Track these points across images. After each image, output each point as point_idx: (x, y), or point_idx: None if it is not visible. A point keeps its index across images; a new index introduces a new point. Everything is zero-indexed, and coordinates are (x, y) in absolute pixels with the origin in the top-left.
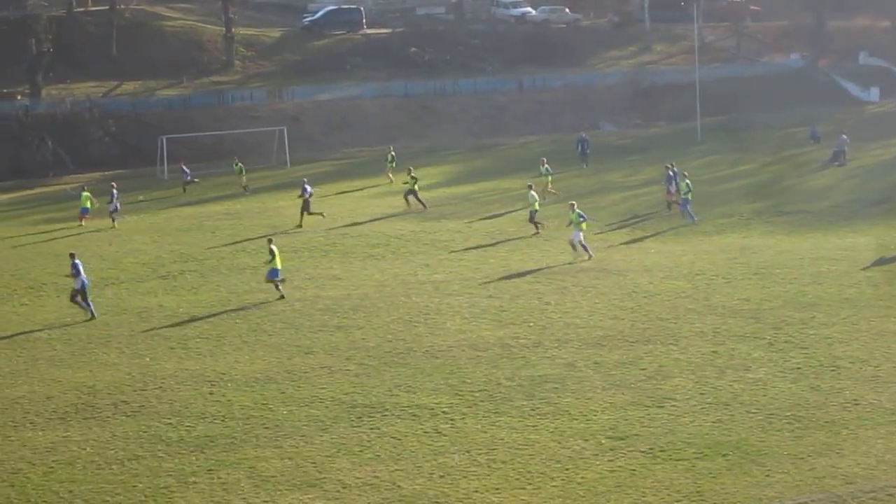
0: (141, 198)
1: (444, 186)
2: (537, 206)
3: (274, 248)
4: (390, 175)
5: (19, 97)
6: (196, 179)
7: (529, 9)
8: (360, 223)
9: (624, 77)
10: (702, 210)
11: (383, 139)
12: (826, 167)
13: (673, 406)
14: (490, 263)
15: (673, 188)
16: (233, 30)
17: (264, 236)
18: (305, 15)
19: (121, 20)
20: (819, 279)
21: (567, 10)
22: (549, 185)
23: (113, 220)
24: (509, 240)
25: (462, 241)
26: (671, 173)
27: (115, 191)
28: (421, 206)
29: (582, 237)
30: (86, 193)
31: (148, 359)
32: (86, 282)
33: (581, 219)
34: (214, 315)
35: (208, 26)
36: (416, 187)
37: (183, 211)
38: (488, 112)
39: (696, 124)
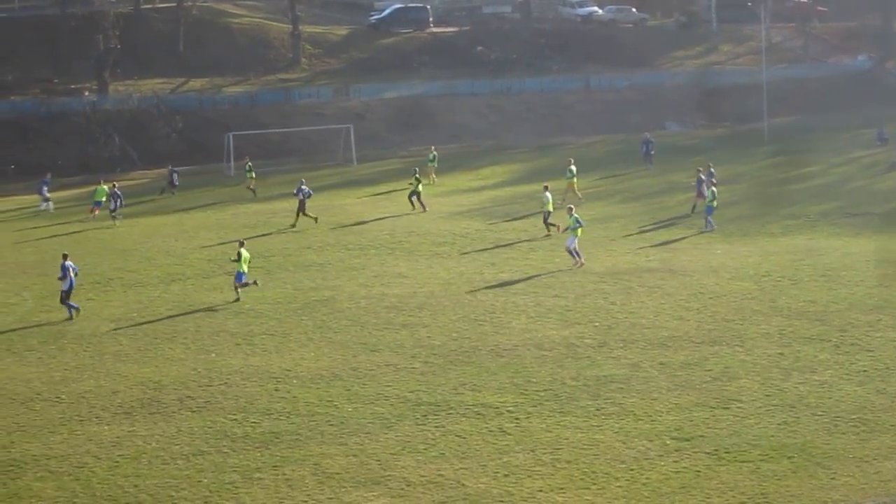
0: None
1: (509, 185)
2: (551, 208)
3: (243, 251)
4: (433, 175)
5: (87, 93)
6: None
7: (596, 8)
8: (426, 221)
9: (690, 77)
10: (768, 211)
11: (449, 137)
12: (893, 169)
13: (738, 408)
14: (556, 262)
15: (703, 192)
16: (300, 27)
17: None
18: (372, 13)
19: (188, 17)
20: (886, 282)
21: (634, 9)
22: (575, 187)
23: (114, 220)
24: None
25: (527, 240)
26: (702, 177)
27: (117, 190)
28: (421, 209)
29: (576, 243)
30: (101, 187)
31: (214, 354)
32: (73, 283)
33: (578, 224)
34: (280, 311)
35: (275, 24)
36: (418, 189)
37: (249, 207)
38: (554, 111)
39: (762, 125)
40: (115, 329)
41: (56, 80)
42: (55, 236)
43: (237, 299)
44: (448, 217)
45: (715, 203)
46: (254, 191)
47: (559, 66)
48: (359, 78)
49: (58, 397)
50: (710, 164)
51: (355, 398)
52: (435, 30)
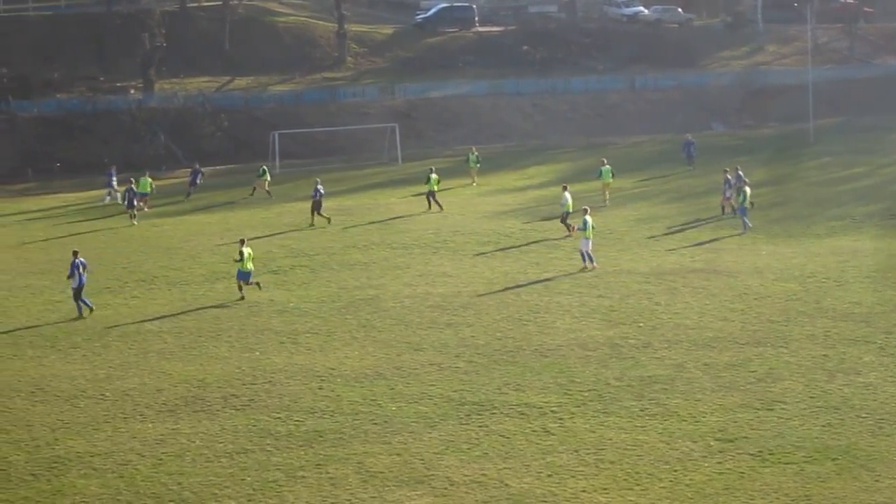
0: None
1: (554, 185)
2: (570, 209)
3: (244, 249)
4: (475, 176)
5: (132, 91)
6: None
7: (642, 8)
8: (470, 221)
9: (736, 78)
10: (814, 212)
11: (494, 137)
12: None
13: (782, 409)
14: (600, 262)
15: (728, 193)
16: (345, 26)
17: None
18: (418, 12)
19: (233, 15)
20: None
21: (680, 9)
22: (608, 190)
23: (131, 217)
24: (620, 239)
25: (572, 240)
26: (729, 178)
27: (133, 186)
28: (438, 208)
29: (590, 246)
30: (146, 178)
31: (258, 353)
32: (83, 280)
33: (584, 226)
34: (324, 310)
35: (320, 22)
36: (435, 187)
37: (294, 206)
38: (600, 111)
39: (808, 126)
40: (159, 327)
41: (102, 78)
42: (100, 233)
43: (242, 297)
44: (493, 216)
45: (747, 204)
46: (269, 192)
47: (604, 66)
48: (404, 77)
49: (102, 395)
50: (738, 167)
51: (399, 397)
52: (480, 29)
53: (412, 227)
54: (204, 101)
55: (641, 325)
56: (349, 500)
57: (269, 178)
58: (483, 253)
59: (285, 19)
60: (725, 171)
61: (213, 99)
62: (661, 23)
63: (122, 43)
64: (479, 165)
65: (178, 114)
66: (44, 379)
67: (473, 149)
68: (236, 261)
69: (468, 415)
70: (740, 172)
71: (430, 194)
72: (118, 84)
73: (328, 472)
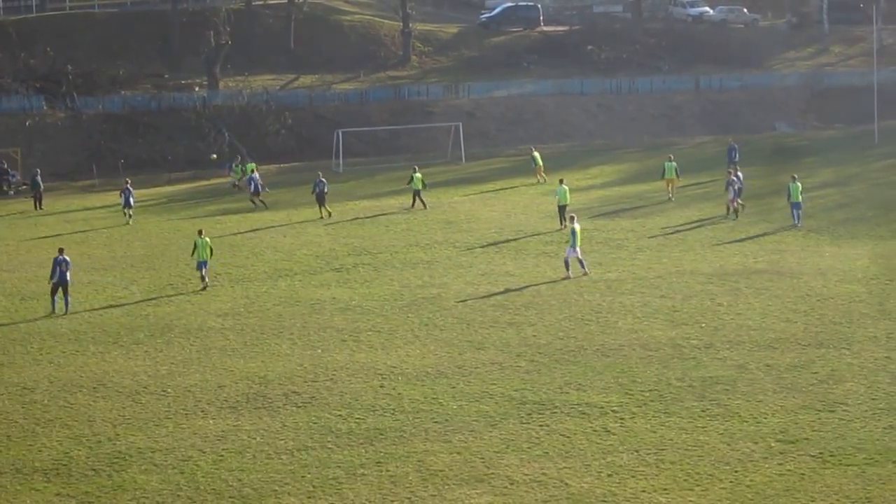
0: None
1: (618, 185)
2: (566, 201)
3: (198, 240)
4: (543, 175)
5: (197, 89)
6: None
7: (707, 8)
8: (533, 220)
9: (801, 78)
10: (878, 214)
11: (558, 136)
12: None
13: (844, 411)
14: (663, 263)
15: (731, 195)
16: (410, 25)
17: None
18: (483, 11)
19: (299, 14)
20: None
21: (745, 10)
22: (674, 186)
23: (127, 217)
24: (683, 240)
25: (635, 240)
26: (733, 178)
27: (129, 187)
28: (422, 206)
29: (577, 253)
30: (247, 165)
31: (320, 350)
32: (64, 278)
33: (572, 235)
34: (387, 308)
35: (386, 21)
36: (419, 186)
37: (357, 204)
38: (664, 111)
39: (873, 127)
40: (221, 323)
41: (167, 76)
42: (163, 230)
43: (204, 287)
44: (556, 216)
45: (800, 198)
46: (239, 187)
47: (669, 67)
48: (468, 76)
49: (164, 391)
50: (737, 168)
51: (460, 396)
52: (545, 28)
53: (475, 226)
54: (268, 98)
55: (704, 325)
56: (409, 498)
57: (240, 175)
58: (546, 252)
59: (351, 18)
60: (730, 173)
61: (278, 97)
62: (726, 23)
63: (187, 40)
64: (541, 165)
65: (243, 111)
66: (106, 375)
67: (533, 148)
68: (191, 254)
69: (529, 414)
70: (740, 174)
71: (416, 193)
72: (183, 81)
73: (388, 470)
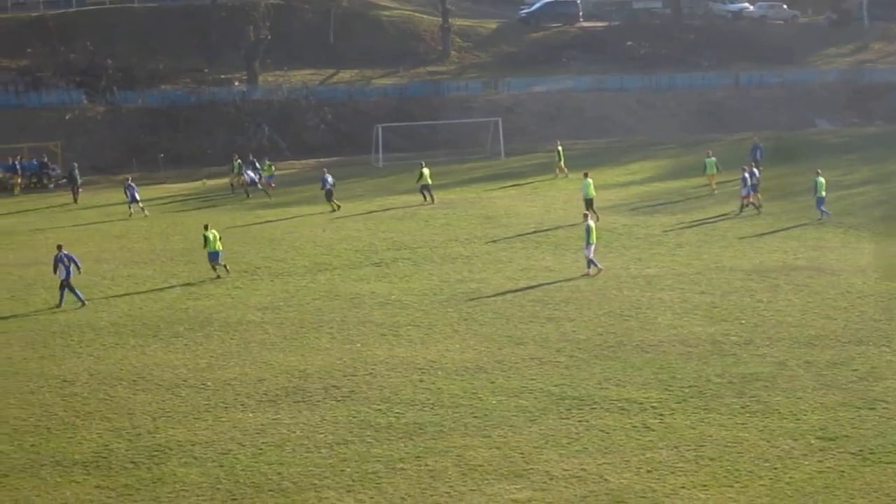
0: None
1: (657, 181)
2: (592, 193)
3: (208, 233)
4: (563, 168)
5: (236, 83)
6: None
7: (747, 4)
8: (573, 215)
9: (841, 75)
10: None
11: (598, 132)
12: None
13: (884, 408)
14: (702, 259)
15: (745, 192)
16: (449, 20)
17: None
18: (522, 7)
19: (338, 9)
20: None
21: (785, 6)
22: (714, 182)
23: (136, 210)
24: (722, 236)
25: (675, 236)
26: (746, 175)
27: (132, 183)
28: (424, 199)
29: (591, 252)
30: (268, 162)
31: (359, 344)
32: (69, 272)
33: (586, 233)
34: (426, 303)
35: (425, 16)
36: (429, 181)
37: (397, 199)
38: (703, 107)
39: None
40: (261, 317)
41: (206, 70)
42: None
43: (217, 276)
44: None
45: (822, 194)
46: (233, 186)
47: (709, 63)
48: (508, 71)
49: (203, 384)
50: (753, 165)
51: (499, 391)
52: (584, 24)
53: (514, 222)
54: (307, 93)
55: (743, 322)
56: (448, 492)
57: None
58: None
59: (390, 13)
60: (744, 169)
61: (317, 91)
62: (765, 19)
63: (226, 35)
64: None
65: (282, 106)
66: (146, 368)
67: (558, 143)
68: (203, 247)
69: (568, 409)
70: (755, 170)
71: (424, 188)
72: (222, 76)
73: (428, 465)
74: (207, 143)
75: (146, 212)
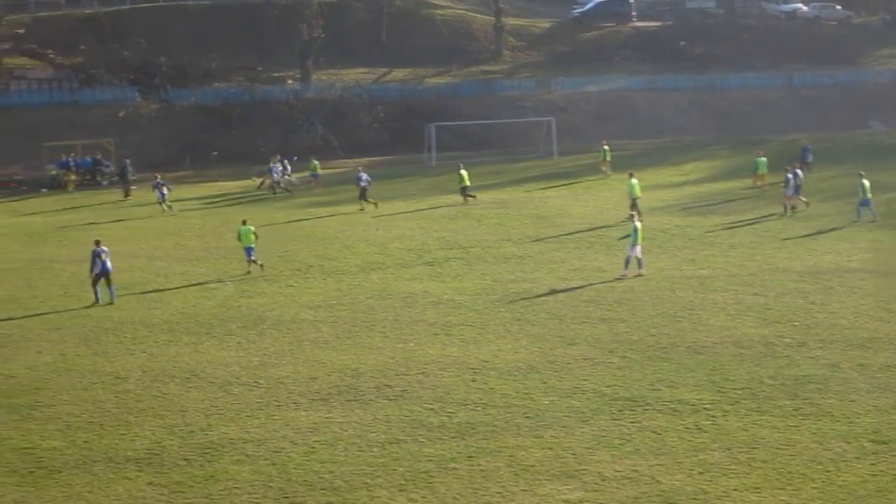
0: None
1: (710, 181)
2: (637, 193)
3: (242, 228)
4: (605, 168)
5: (290, 81)
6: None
7: (801, 5)
8: (626, 216)
9: (895, 76)
10: None
11: (651, 132)
12: None
13: None
14: (756, 260)
15: (790, 192)
16: (503, 19)
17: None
18: (575, 6)
19: (391, 7)
20: None
21: (838, 7)
22: (763, 181)
23: (165, 208)
24: (776, 237)
25: (728, 237)
26: (789, 176)
27: (161, 181)
28: (465, 201)
29: (637, 251)
30: (315, 161)
31: (412, 344)
32: (105, 267)
33: (633, 234)
34: (479, 303)
35: (478, 15)
36: (467, 183)
37: (449, 198)
38: (756, 108)
39: None
40: (314, 316)
41: (259, 68)
42: (256, 222)
43: (248, 272)
44: (648, 212)
45: (869, 195)
46: (273, 188)
47: (762, 63)
48: (560, 71)
49: (256, 382)
50: (796, 166)
51: (552, 391)
52: (638, 24)
53: (567, 222)
54: (361, 91)
55: (796, 323)
56: (500, 492)
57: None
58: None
59: (443, 12)
60: (786, 170)
61: (370, 90)
62: (819, 20)
63: (280, 33)
64: (607, 160)
65: (335, 104)
66: (199, 365)
67: (604, 142)
68: (238, 240)
69: (620, 410)
70: (799, 171)
71: (464, 189)
72: (276, 74)
73: (479, 465)
74: (260, 142)
75: (173, 210)
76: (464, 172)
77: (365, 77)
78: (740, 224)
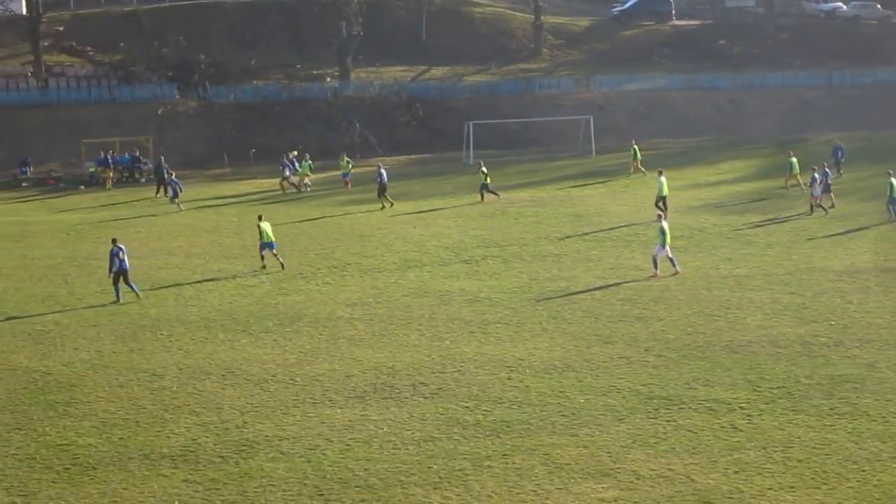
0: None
1: (748, 181)
2: (665, 192)
3: (261, 224)
4: (640, 167)
5: (328, 79)
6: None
7: (840, 4)
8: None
9: None
10: None
11: (689, 131)
12: None
13: None
14: (793, 259)
15: (818, 192)
16: (542, 18)
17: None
18: (615, 4)
19: (430, 5)
20: None
21: (878, 6)
22: (797, 179)
23: (177, 205)
24: (813, 236)
25: (765, 236)
26: (816, 175)
27: (174, 177)
28: (495, 197)
29: (666, 252)
30: (346, 159)
31: (448, 342)
32: (123, 265)
33: (661, 234)
34: (515, 301)
35: (517, 14)
36: (487, 181)
37: (487, 197)
38: (795, 107)
39: None
40: (350, 313)
41: (298, 66)
42: (294, 220)
43: (263, 267)
44: (685, 211)
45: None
46: (297, 187)
47: (801, 62)
48: (599, 69)
49: (292, 379)
50: (825, 164)
51: (587, 389)
52: (677, 22)
53: (604, 220)
54: (399, 90)
55: (833, 323)
56: (535, 490)
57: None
58: (675, 247)
59: (482, 10)
60: (813, 170)
61: (409, 88)
62: (859, 19)
63: (318, 31)
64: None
65: (374, 102)
66: (235, 362)
67: (634, 141)
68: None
69: (656, 409)
70: (827, 170)
71: (483, 187)
72: (314, 72)
73: (515, 463)
74: (299, 139)
75: (181, 207)
76: (484, 170)
77: (404, 75)
78: (777, 223)
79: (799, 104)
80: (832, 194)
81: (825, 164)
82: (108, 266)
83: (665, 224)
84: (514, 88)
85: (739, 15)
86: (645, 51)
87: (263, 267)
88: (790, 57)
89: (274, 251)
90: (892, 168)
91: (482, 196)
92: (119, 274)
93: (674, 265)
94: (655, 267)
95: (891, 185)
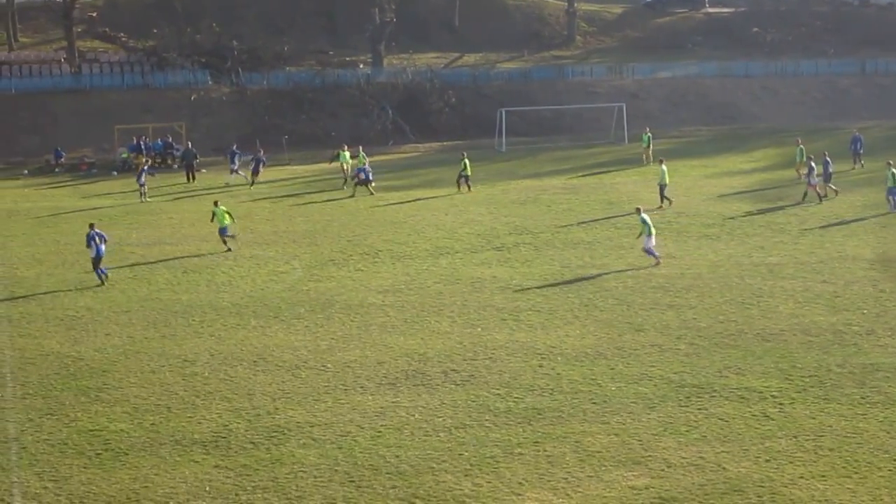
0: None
1: (780, 168)
2: (666, 181)
3: (216, 209)
4: (647, 156)
5: (361, 66)
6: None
7: None
8: (695, 203)
9: None
10: None
11: (722, 119)
12: None
13: None
14: (825, 248)
15: (814, 181)
16: (575, 5)
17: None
18: None
19: None
20: None
21: None
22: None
23: (141, 196)
24: (846, 225)
25: (798, 224)
26: (813, 164)
27: (145, 168)
28: (466, 188)
29: (652, 242)
30: (362, 155)
31: (479, 329)
32: (100, 251)
33: (646, 225)
34: (547, 288)
35: (550, 1)
36: (468, 172)
37: (520, 184)
38: (829, 95)
39: None
40: (382, 300)
41: (332, 52)
42: (326, 206)
43: (228, 249)
44: (718, 199)
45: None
46: (345, 179)
47: (835, 50)
48: (632, 57)
49: (323, 366)
50: (826, 153)
51: (619, 377)
52: (710, 10)
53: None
54: (432, 76)
55: (865, 312)
56: (566, 478)
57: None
58: (707, 235)
59: None
60: (810, 159)
61: (442, 75)
62: (893, 7)
63: (352, 17)
64: (650, 147)
65: (406, 89)
66: (266, 349)
67: (647, 129)
68: (211, 221)
69: (688, 397)
70: (828, 158)
71: (464, 178)
72: (347, 58)
73: (546, 450)
74: (332, 125)
75: (146, 198)
76: (467, 161)
77: (436, 62)
78: (810, 211)
79: (832, 92)
80: (832, 184)
81: (825, 154)
82: (86, 244)
83: (646, 215)
84: (546, 75)
85: (773, 2)
86: (678, 38)
87: (228, 249)
88: (824, 44)
89: (225, 235)
90: (893, 159)
91: (458, 185)
92: (98, 259)
93: (651, 255)
94: (655, 256)
95: (891, 175)
